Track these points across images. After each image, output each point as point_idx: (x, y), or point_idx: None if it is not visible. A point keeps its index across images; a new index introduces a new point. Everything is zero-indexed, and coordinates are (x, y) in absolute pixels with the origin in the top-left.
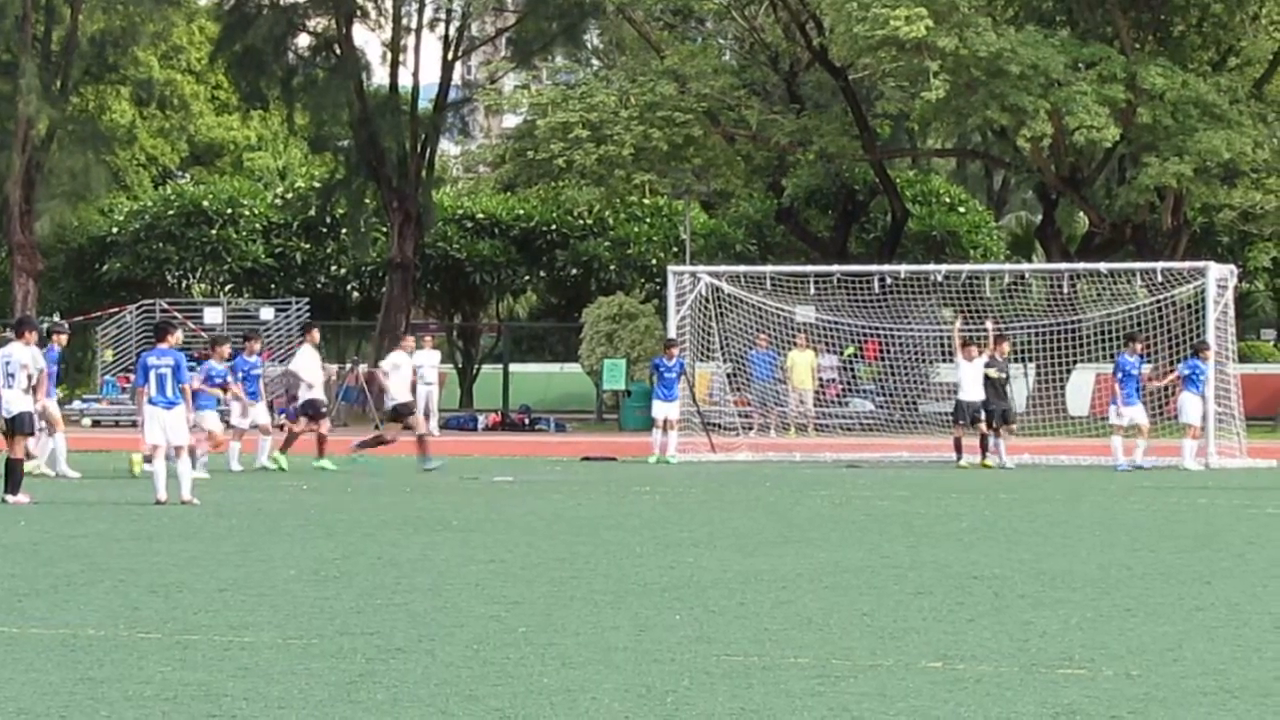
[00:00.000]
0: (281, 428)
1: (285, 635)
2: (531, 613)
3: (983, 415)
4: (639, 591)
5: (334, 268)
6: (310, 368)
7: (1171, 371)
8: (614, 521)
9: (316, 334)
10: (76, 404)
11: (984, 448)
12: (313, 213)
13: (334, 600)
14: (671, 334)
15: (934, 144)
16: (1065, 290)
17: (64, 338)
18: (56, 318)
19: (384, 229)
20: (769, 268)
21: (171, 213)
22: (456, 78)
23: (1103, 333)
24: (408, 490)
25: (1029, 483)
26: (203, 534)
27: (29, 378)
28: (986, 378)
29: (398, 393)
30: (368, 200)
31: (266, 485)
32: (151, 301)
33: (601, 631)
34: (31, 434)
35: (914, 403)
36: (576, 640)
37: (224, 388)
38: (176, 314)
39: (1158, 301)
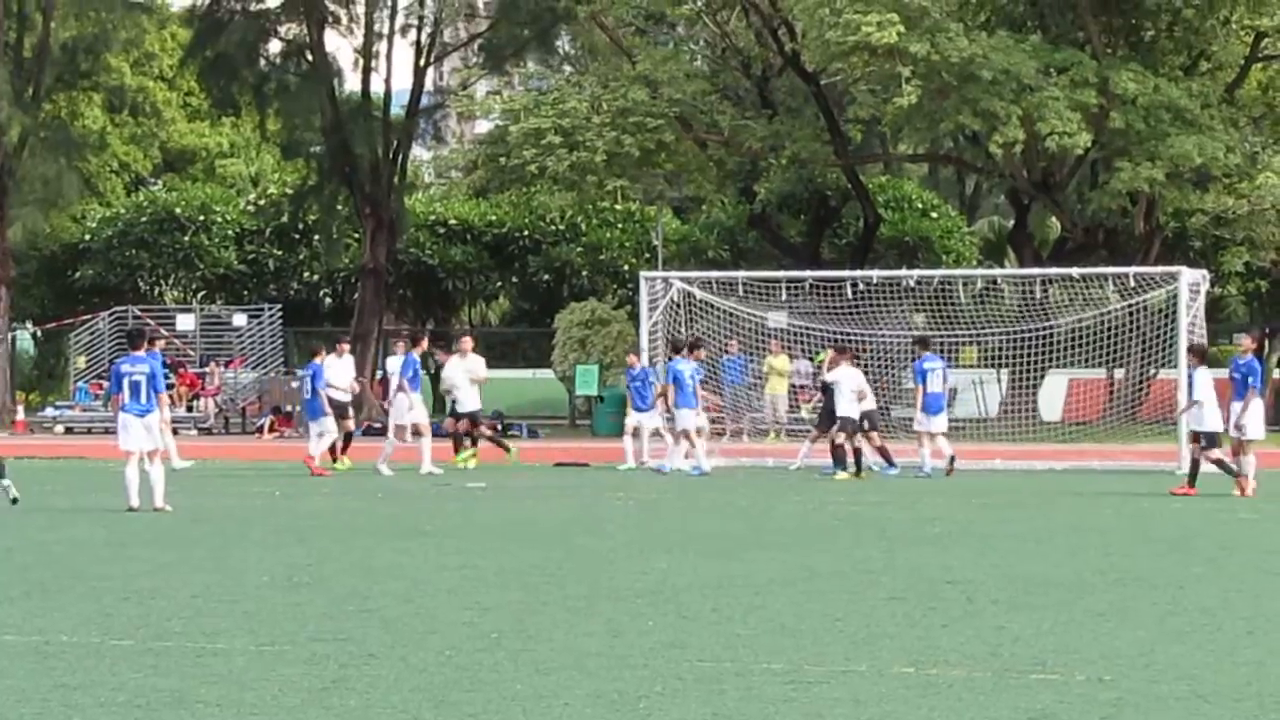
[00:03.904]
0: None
1: (258, 642)
2: (504, 618)
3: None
4: (612, 597)
5: (306, 274)
6: (456, 377)
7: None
8: (587, 527)
9: (468, 342)
10: (49, 410)
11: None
12: (285, 219)
13: (306, 606)
14: (644, 340)
15: (906, 149)
16: (1038, 295)
17: None
18: (29, 325)
19: (356, 235)
20: (741, 273)
21: (144, 219)
22: (429, 83)
23: (1075, 338)
24: (379, 496)
25: (1002, 488)
26: (176, 540)
27: None
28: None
29: (468, 400)
30: (340, 206)
31: (239, 491)
32: (124, 308)
33: (574, 637)
34: None
35: (886, 408)
36: (549, 646)
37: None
38: (149, 320)
39: (1130, 306)
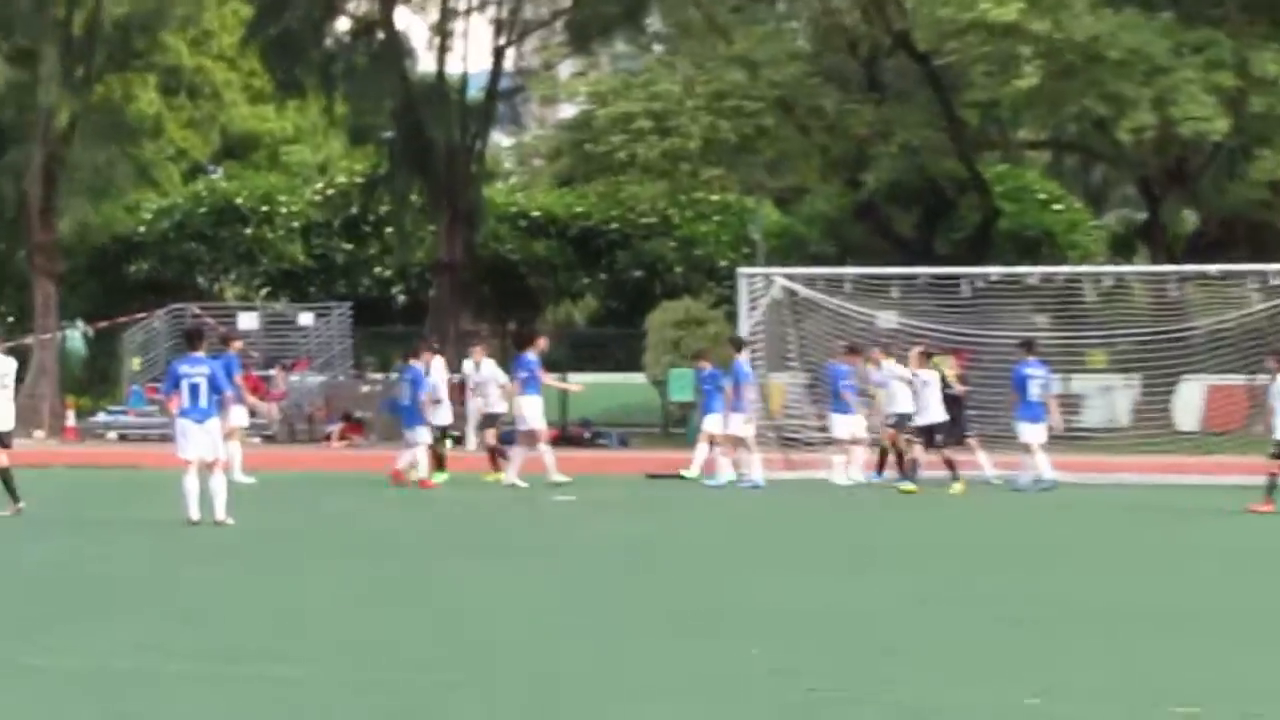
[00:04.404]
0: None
1: (326, 668)
2: (594, 643)
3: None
4: (709, 620)
5: (378, 269)
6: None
7: None
8: (681, 544)
9: (543, 342)
10: (101, 416)
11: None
12: (354, 210)
13: (379, 630)
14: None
15: (1027, 135)
16: (1172, 294)
17: None
18: (80, 324)
19: (431, 227)
20: (848, 269)
21: (202, 210)
22: (509, 64)
23: (1214, 341)
24: (460, 511)
25: (1129, 503)
26: (239, 557)
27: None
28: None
29: (495, 403)
30: (413, 197)
31: (307, 504)
32: (182, 306)
33: (673, 662)
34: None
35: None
36: (643, 673)
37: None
38: (208, 318)
39: (1274, 307)
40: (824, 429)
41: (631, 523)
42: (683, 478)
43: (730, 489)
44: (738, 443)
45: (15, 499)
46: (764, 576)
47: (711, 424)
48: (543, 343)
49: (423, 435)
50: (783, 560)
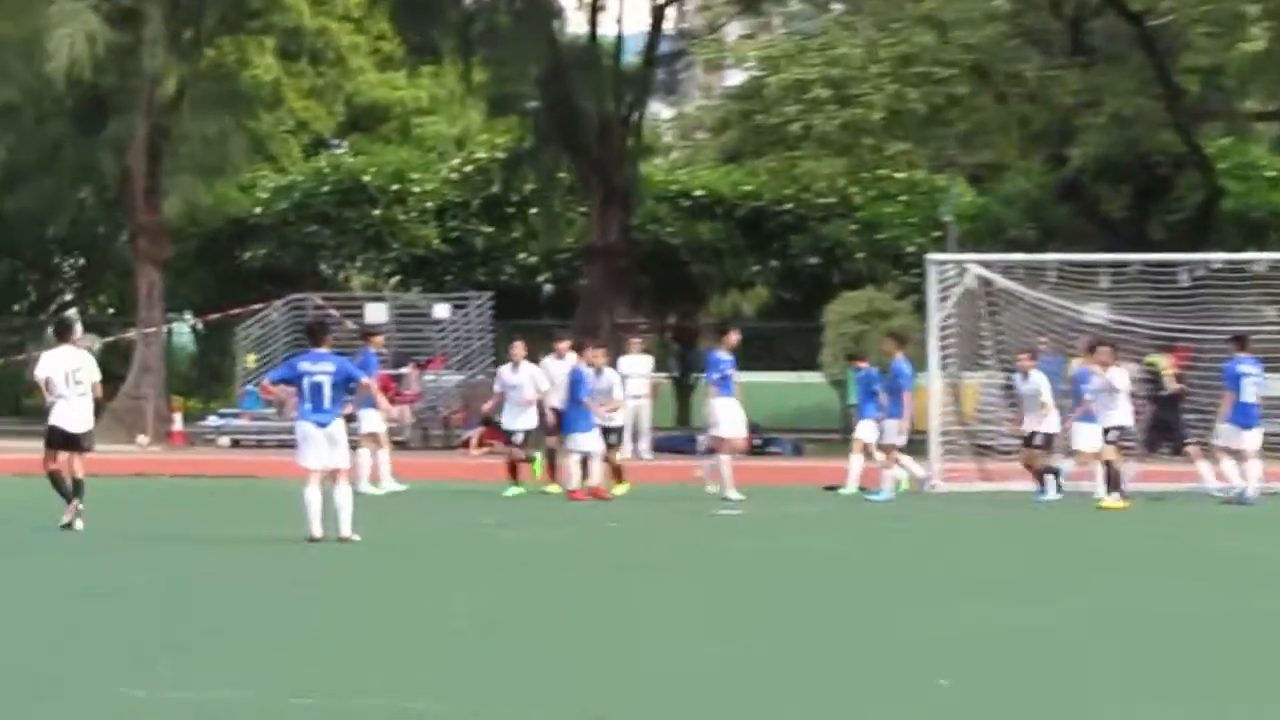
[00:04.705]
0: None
1: (458, 702)
2: (760, 674)
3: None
4: (892, 649)
5: (522, 255)
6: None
7: None
8: (860, 564)
9: (734, 336)
10: (211, 419)
11: None
12: (495, 189)
13: (519, 658)
14: (932, 336)
15: (1254, 106)
16: None
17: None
18: (188, 316)
19: (582, 209)
20: (1051, 255)
21: (326, 189)
22: (669, 25)
23: None
24: (612, 525)
25: None
26: (366, 577)
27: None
28: None
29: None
30: (561, 174)
31: (443, 518)
32: (302, 296)
33: (846, 698)
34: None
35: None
36: (817, 709)
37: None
38: (332, 310)
39: None
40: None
41: (802, 540)
42: (841, 494)
43: (899, 501)
44: (890, 453)
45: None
46: (947, 600)
47: (864, 431)
48: (734, 337)
49: (585, 442)
50: (975, 582)
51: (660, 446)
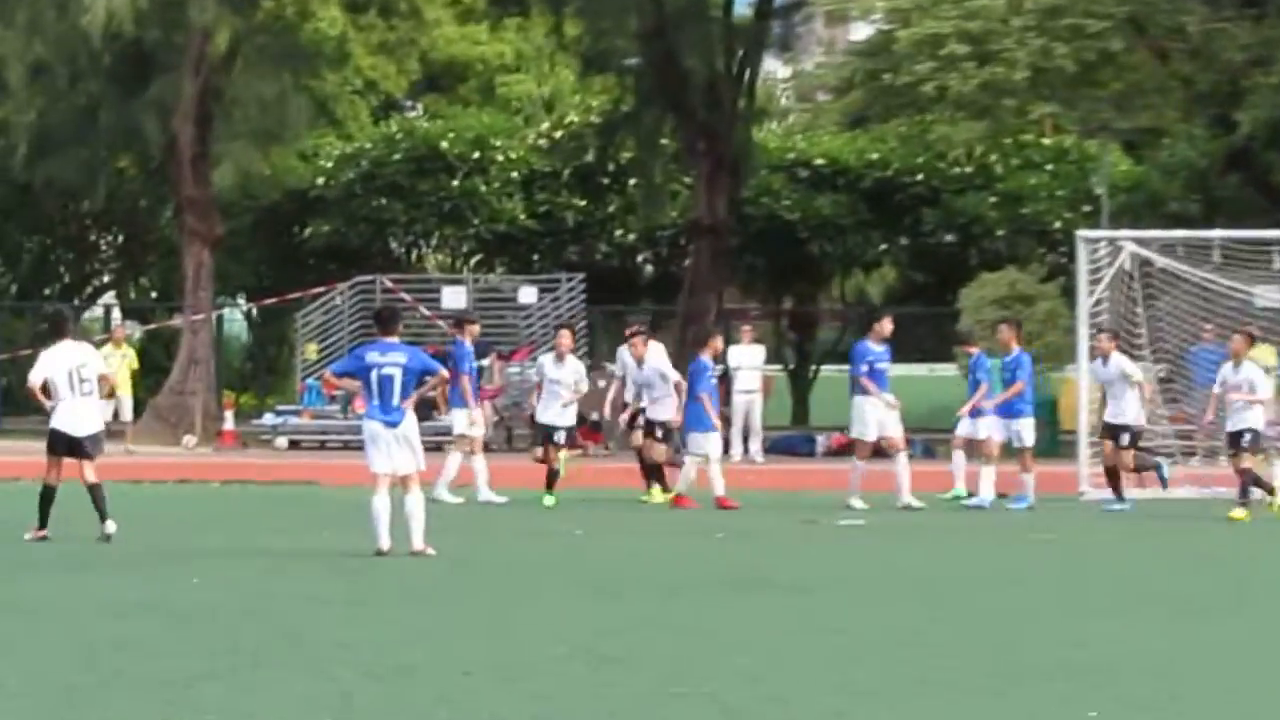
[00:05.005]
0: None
1: None
2: (889, 706)
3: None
4: (1032, 676)
5: (619, 232)
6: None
7: None
8: (999, 579)
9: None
10: (268, 417)
11: None
12: (590, 157)
13: (618, 688)
14: (1082, 323)
15: None
16: None
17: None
18: (241, 301)
19: (687, 180)
20: (1216, 232)
21: (397, 157)
22: None
23: None
24: (720, 536)
25: None
26: (440, 596)
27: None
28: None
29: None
30: (664, 141)
31: (527, 529)
32: (370, 278)
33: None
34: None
35: None
36: None
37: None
38: (404, 295)
39: None
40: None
41: (931, 552)
42: (958, 499)
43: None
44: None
45: (103, 517)
46: (1094, 620)
47: (963, 428)
48: (887, 326)
49: (703, 443)
50: (1127, 602)
51: (774, 448)
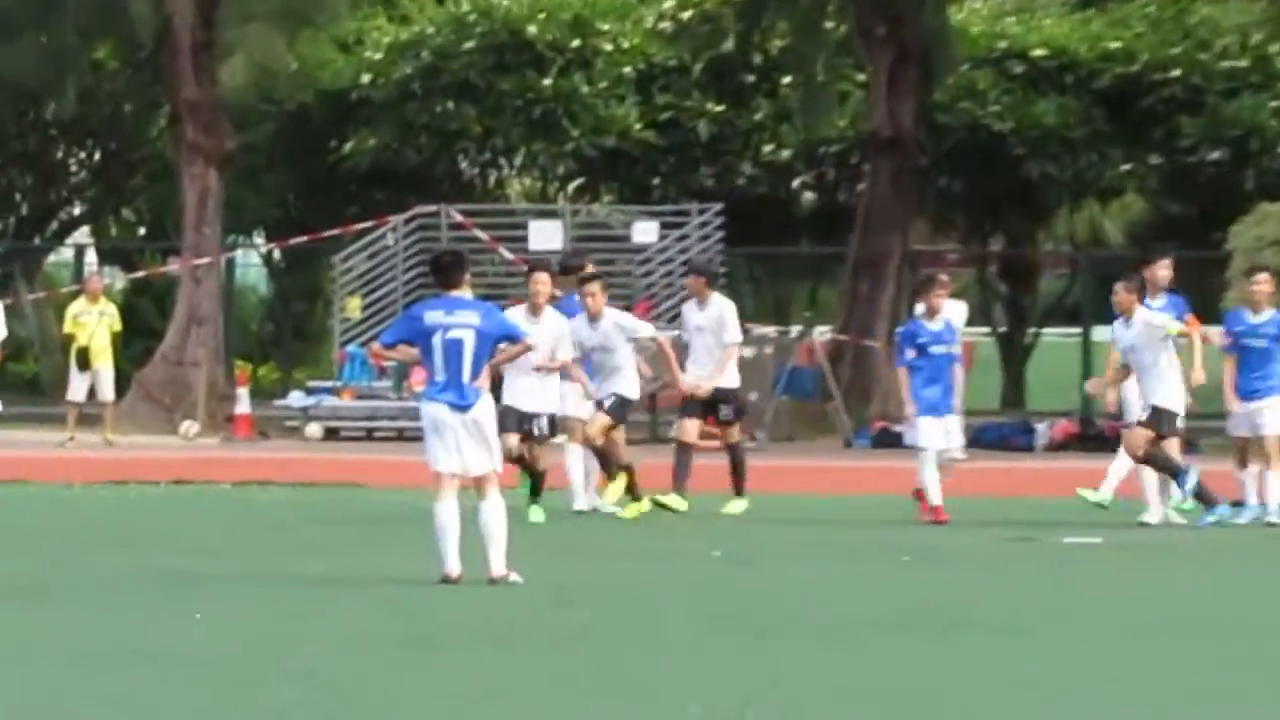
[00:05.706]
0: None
1: None
2: None
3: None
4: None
5: (768, 149)
6: None
7: None
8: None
9: (1163, 271)
10: (294, 396)
11: None
12: (729, 46)
13: None
14: None
15: None
16: None
17: None
18: (260, 241)
19: (860, 78)
20: None
21: (470, 46)
22: None
23: None
24: (906, 560)
25: None
26: (530, 639)
27: None
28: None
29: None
30: (830, 24)
31: (636, 549)
32: (433, 209)
33: None
34: None
35: None
36: None
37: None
38: (478, 231)
39: None
40: None
41: (1197, 578)
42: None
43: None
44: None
45: None
46: None
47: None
48: (1160, 271)
49: (924, 435)
50: None
51: (979, 440)
